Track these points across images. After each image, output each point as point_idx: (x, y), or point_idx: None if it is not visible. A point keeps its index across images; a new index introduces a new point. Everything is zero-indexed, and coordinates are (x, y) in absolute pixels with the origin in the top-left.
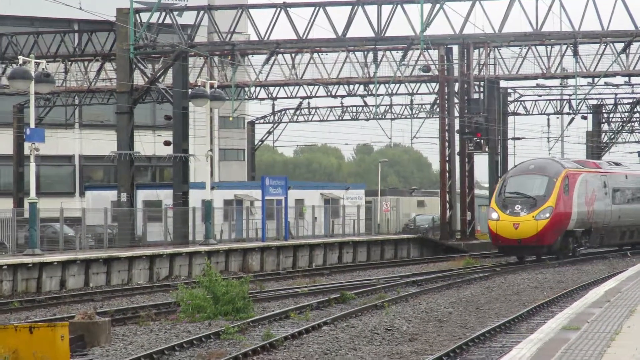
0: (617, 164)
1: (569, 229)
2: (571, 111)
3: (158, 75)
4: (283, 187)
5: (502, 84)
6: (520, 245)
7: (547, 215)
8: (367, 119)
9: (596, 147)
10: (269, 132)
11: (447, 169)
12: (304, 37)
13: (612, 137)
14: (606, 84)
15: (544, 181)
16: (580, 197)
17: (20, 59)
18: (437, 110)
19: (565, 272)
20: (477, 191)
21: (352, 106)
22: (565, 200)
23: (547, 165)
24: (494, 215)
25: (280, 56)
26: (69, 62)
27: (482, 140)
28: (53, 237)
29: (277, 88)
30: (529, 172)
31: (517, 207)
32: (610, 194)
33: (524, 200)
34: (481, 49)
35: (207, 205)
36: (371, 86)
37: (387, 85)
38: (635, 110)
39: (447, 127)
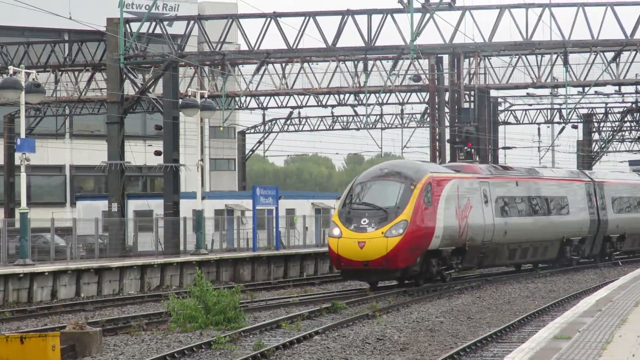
0: (505, 167)
1: (431, 248)
2: (562, 120)
3: (148, 85)
4: (274, 196)
5: (493, 93)
6: (367, 268)
7: (401, 231)
8: (358, 129)
9: (587, 157)
10: (260, 142)
11: None
12: (294, 47)
13: (602, 146)
14: (596, 93)
15: (399, 188)
16: (449, 209)
17: (11, 69)
18: (428, 119)
19: (556, 281)
20: None
21: (343, 116)
22: (427, 213)
23: (404, 168)
24: (336, 232)
25: (270, 66)
26: (60, 72)
27: (472, 150)
28: (44, 247)
29: (268, 98)
30: (382, 177)
31: (364, 222)
32: (493, 205)
33: (373, 212)
34: (471, 59)
35: (198, 215)
36: (362, 96)
37: (377, 94)
38: (625, 119)
39: (437, 137)
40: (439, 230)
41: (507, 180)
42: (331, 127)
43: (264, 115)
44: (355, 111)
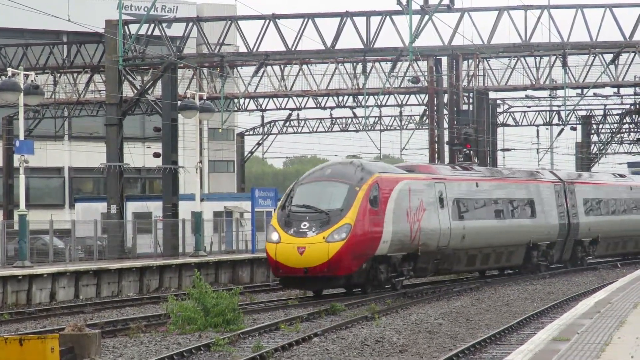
0: (465, 167)
1: (379, 254)
2: (560, 122)
3: (147, 87)
4: (273, 198)
5: (491, 95)
6: (307, 275)
7: (343, 235)
8: (357, 131)
9: (586, 159)
10: (259, 144)
11: None
12: (293, 49)
13: (601, 148)
14: (595, 94)
15: (343, 190)
16: (399, 212)
17: (9, 70)
18: (427, 121)
19: (555, 283)
20: None
21: (342, 117)
22: (373, 216)
23: (349, 169)
24: (274, 237)
25: (269, 68)
26: (58, 74)
27: (471, 152)
28: (43, 249)
29: (267, 99)
30: (325, 178)
31: (304, 226)
32: (449, 208)
33: (314, 215)
34: (470, 60)
35: (197, 217)
36: (360, 97)
37: (376, 96)
38: (624, 121)
39: (436, 139)
40: (387, 234)
41: (465, 181)
42: (330, 129)
43: (262, 117)
44: (354, 113)
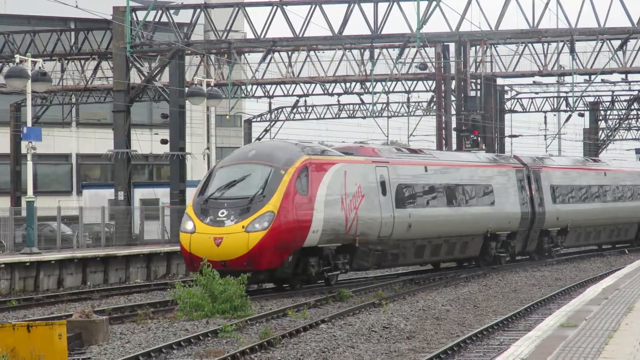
0: (413, 150)
1: (308, 245)
2: (568, 108)
3: (155, 73)
4: None
5: (499, 81)
6: (225, 269)
7: (266, 224)
8: (364, 117)
9: (594, 145)
10: (266, 130)
11: None
12: (301, 35)
13: (609, 134)
14: (603, 81)
15: (267, 173)
16: (332, 198)
17: (17, 57)
18: (434, 108)
19: (563, 269)
20: None
21: (349, 104)
22: (301, 203)
23: (275, 149)
24: (188, 226)
25: (276, 54)
26: (66, 61)
27: (479, 138)
28: (50, 235)
29: (274, 86)
30: (248, 160)
31: (222, 214)
32: (393, 194)
33: (233, 202)
34: (478, 47)
35: None
36: (368, 84)
37: (383, 83)
38: (632, 107)
39: (444, 125)
40: (317, 223)
41: (412, 164)
42: (337, 116)
43: (270, 103)
44: (361, 99)
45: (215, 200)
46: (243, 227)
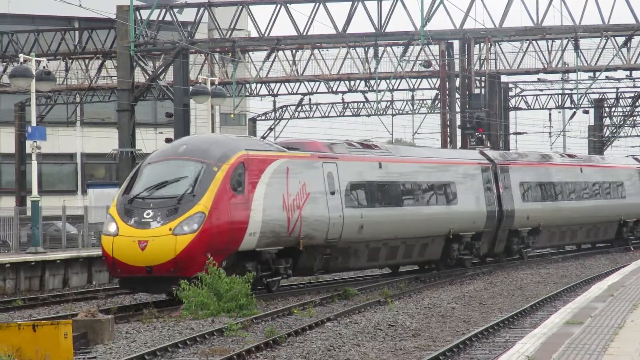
0: (366, 145)
1: (245, 249)
2: (573, 106)
3: (159, 72)
4: None
5: (503, 78)
6: (150, 276)
7: (195, 226)
8: (369, 115)
9: (598, 142)
10: (271, 129)
11: None
12: (305, 33)
13: (614, 131)
14: (607, 78)
15: (198, 170)
16: (273, 197)
17: (21, 57)
18: (439, 105)
19: (568, 266)
20: None
21: (353, 102)
22: (236, 202)
23: (208, 144)
24: (111, 228)
25: (280, 52)
26: (70, 60)
27: (483, 136)
28: (55, 235)
29: (278, 84)
30: (178, 155)
31: (148, 215)
32: (342, 193)
33: (160, 202)
34: (482, 44)
35: None
36: (372, 82)
37: (388, 80)
38: (637, 104)
39: (448, 123)
40: (255, 225)
41: (365, 160)
42: (342, 114)
43: (274, 102)
44: (365, 97)
45: (141, 200)
46: (170, 229)
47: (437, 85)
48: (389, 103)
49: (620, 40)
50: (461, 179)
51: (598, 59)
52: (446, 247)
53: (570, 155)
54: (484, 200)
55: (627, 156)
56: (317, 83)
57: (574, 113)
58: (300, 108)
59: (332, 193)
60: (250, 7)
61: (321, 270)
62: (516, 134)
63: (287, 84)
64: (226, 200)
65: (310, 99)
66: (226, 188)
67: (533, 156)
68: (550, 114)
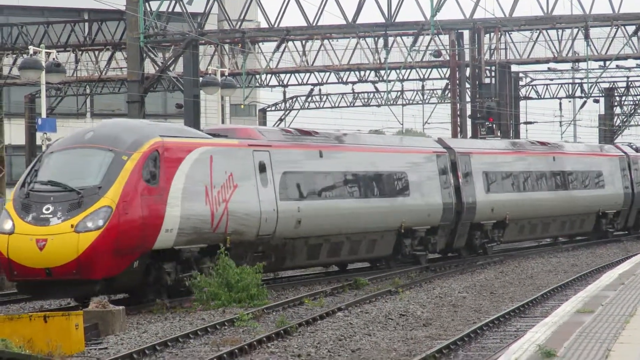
0: (305, 132)
1: (160, 247)
2: (583, 95)
3: (169, 63)
4: None
5: (514, 68)
6: (50, 279)
7: (100, 223)
8: (379, 105)
9: (609, 131)
10: (281, 120)
11: None
12: (314, 24)
13: (624, 120)
14: (618, 67)
15: (105, 160)
16: (193, 189)
17: (31, 49)
18: (449, 95)
19: (579, 255)
20: None
21: (364, 92)
22: (150, 195)
23: (118, 131)
24: (7, 225)
25: (290, 43)
26: (80, 52)
27: (494, 125)
28: None
29: (288, 75)
30: (84, 143)
31: (47, 210)
32: (277, 184)
33: (61, 195)
34: (492, 34)
35: None
36: (382, 72)
37: (398, 71)
38: None
39: (458, 112)
40: (172, 220)
41: (303, 148)
42: (352, 104)
43: (284, 92)
44: (376, 87)
45: (40, 194)
46: (72, 226)
47: (447, 75)
48: (399, 93)
49: (631, 29)
50: (414, 168)
51: (608, 48)
52: (398, 242)
53: (542, 143)
54: (439, 192)
55: (610, 144)
56: (327, 73)
57: (585, 102)
58: (310, 98)
59: (264, 184)
60: None
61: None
62: (526, 123)
63: (297, 74)
64: (137, 193)
65: (320, 90)
66: (137, 179)
67: (499, 144)
68: (560, 103)
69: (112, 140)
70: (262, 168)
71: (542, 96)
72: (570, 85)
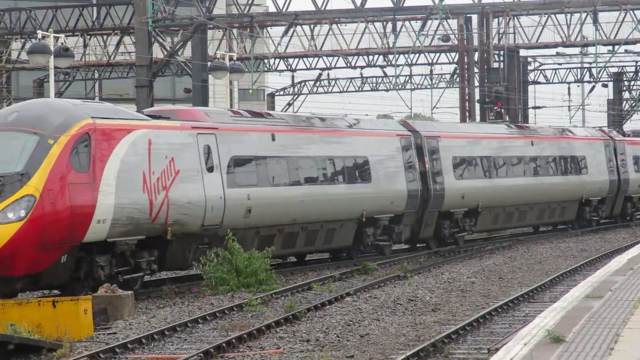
0: (259, 114)
1: (91, 240)
2: (592, 79)
3: (177, 48)
4: None
5: (522, 52)
6: None
7: (22, 213)
8: (387, 90)
9: (617, 115)
10: (289, 104)
11: None
12: (323, 8)
13: (633, 105)
14: (627, 51)
15: (29, 144)
16: (129, 176)
17: (39, 33)
18: (457, 80)
19: (588, 240)
20: None
21: (372, 77)
22: (79, 183)
23: (44, 112)
24: None
25: (299, 27)
26: (88, 36)
27: (502, 110)
28: None
29: (297, 59)
30: (6, 126)
31: None
32: (225, 170)
33: None
34: (500, 18)
35: None
36: (390, 56)
37: (406, 55)
38: None
39: (467, 97)
40: (105, 210)
41: (253, 132)
42: (360, 89)
43: (293, 77)
44: (384, 72)
45: None
46: None
47: (455, 60)
48: (407, 78)
49: (639, 13)
50: (375, 152)
51: (617, 32)
52: (359, 232)
53: (519, 127)
54: (404, 178)
55: (595, 127)
56: (336, 58)
57: (593, 87)
58: (318, 83)
59: (211, 170)
60: None
61: (196, 263)
62: (535, 108)
63: (305, 59)
64: (65, 180)
65: (328, 74)
66: (65, 165)
67: (472, 127)
68: (569, 88)
69: (37, 122)
70: (207, 152)
71: (551, 81)
72: (579, 69)
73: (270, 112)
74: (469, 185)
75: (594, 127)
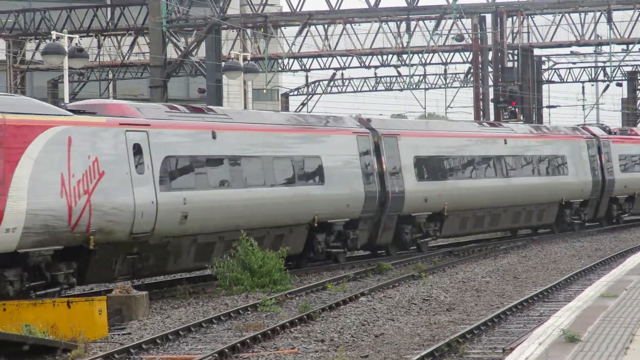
0: (199, 109)
1: (1, 251)
2: (606, 78)
3: (191, 48)
4: None
5: (536, 51)
6: None
7: None
8: (401, 89)
9: (632, 114)
10: (303, 104)
11: None
12: (337, 8)
13: None
14: None
15: None
16: (45, 178)
17: (54, 34)
18: (471, 79)
19: (602, 240)
20: None
21: (386, 76)
22: None
23: None
24: None
25: (312, 27)
26: (102, 37)
27: (516, 109)
28: None
29: (310, 59)
30: None
31: None
32: (157, 171)
33: None
34: (514, 17)
35: None
36: (404, 56)
37: (420, 55)
38: None
39: (481, 96)
40: (14, 217)
41: (190, 129)
42: (374, 88)
43: (307, 77)
44: (398, 72)
45: None
46: None
47: (469, 59)
48: (421, 77)
49: None
50: (329, 152)
51: (631, 31)
52: (310, 238)
53: (492, 124)
54: (361, 179)
55: (578, 125)
56: (350, 58)
57: (607, 86)
58: (332, 83)
59: (140, 171)
60: None
61: (126, 275)
62: (549, 107)
63: (319, 59)
64: None
65: (342, 74)
66: None
67: (436, 125)
68: (583, 87)
69: None
70: (137, 151)
71: (565, 80)
72: (593, 68)
73: (212, 107)
74: (432, 188)
75: (577, 125)
